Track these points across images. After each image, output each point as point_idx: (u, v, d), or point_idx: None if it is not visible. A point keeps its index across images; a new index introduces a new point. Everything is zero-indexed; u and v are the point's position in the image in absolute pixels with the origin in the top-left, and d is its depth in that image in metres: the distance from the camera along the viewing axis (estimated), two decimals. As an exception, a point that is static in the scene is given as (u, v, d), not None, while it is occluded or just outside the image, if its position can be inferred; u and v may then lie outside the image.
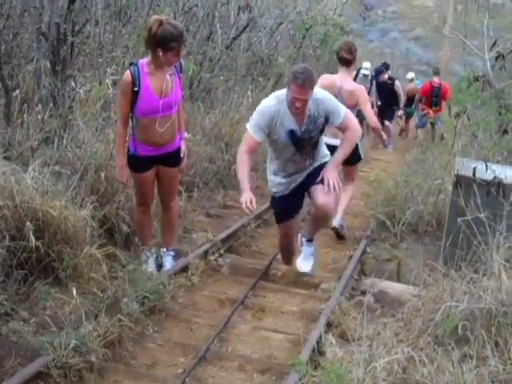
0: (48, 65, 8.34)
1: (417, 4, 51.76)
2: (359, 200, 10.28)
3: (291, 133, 6.23)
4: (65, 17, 8.42)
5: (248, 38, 15.02)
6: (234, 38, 13.94)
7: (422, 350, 4.74)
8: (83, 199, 6.36)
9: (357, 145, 7.60)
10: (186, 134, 6.71)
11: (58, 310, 5.01)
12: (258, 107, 6.27)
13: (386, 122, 16.98)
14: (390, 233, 8.42)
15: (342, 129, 6.40)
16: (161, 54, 5.95)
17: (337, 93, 7.81)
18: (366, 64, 16.08)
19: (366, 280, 7.03)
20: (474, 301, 5.14)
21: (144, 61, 6.15)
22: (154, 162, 6.33)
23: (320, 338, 5.26)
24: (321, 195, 6.34)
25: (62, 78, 7.99)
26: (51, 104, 7.82)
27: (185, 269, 6.51)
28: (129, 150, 6.28)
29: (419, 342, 4.92)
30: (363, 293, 6.54)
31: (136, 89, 6.02)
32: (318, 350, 5.12)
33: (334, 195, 6.40)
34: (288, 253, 7.05)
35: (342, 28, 19.27)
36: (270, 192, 6.87)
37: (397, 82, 17.08)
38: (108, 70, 9.01)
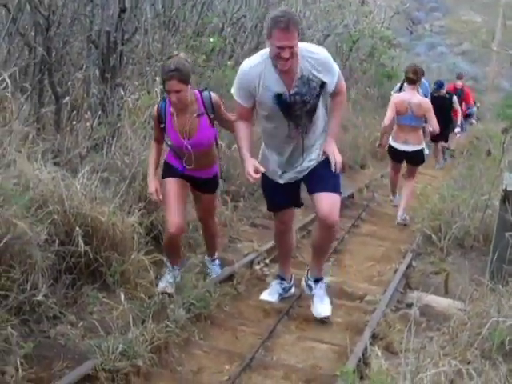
0: (97, 73, 8.44)
1: (465, 19, 51.52)
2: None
3: (278, 97, 5.42)
4: (115, 25, 8.52)
5: (295, 49, 15.00)
6: (281, 50, 13.93)
7: (469, 363, 4.70)
8: (131, 206, 6.43)
9: (422, 149, 10.17)
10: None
11: (106, 315, 5.05)
12: (240, 69, 5.56)
13: (441, 143, 16.77)
14: (436, 247, 8.37)
15: (334, 89, 5.56)
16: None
17: (407, 106, 9.88)
18: None
19: (411, 293, 6.97)
20: (521, 316, 5.10)
21: None
22: (184, 177, 6.09)
23: (365, 349, 5.23)
24: (325, 203, 5.61)
25: (111, 86, 8.08)
26: (100, 111, 7.91)
27: (230, 277, 6.53)
28: (165, 161, 6.21)
29: (466, 355, 4.88)
30: (409, 306, 6.50)
31: (162, 126, 5.93)
32: (364, 362, 5.09)
33: (338, 204, 5.72)
34: (286, 245, 6.35)
35: (389, 41, 19.26)
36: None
37: (454, 98, 16.56)
38: (157, 78, 9.10)
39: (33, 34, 8.08)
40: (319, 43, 15.94)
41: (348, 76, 18.16)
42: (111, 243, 5.81)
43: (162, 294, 5.64)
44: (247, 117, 5.64)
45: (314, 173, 5.77)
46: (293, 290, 6.50)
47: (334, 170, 5.60)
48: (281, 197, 5.98)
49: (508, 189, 6.62)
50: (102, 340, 4.71)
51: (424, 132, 10.37)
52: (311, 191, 5.78)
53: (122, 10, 8.43)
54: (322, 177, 5.70)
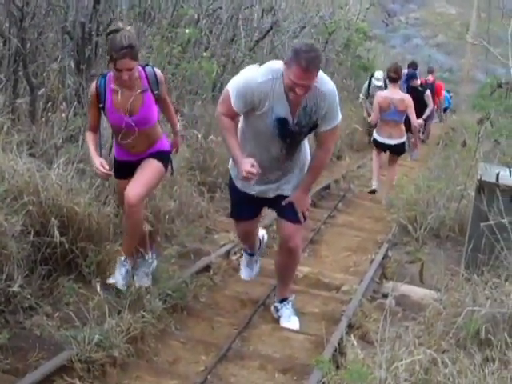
0: (72, 64, 8.41)
1: (439, 11, 51.76)
2: (380, 204, 10.29)
3: (281, 122, 5.05)
4: (90, 16, 8.49)
5: (271, 41, 15.04)
6: (258, 41, 13.96)
7: (443, 352, 4.73)
8: (107, 197, 6.42)
9: (404, 141, 10.97)
10: (177, 127, 6.09)
11: (82, 306, 5.02)
12: (247, 75, 5.07)
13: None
14: (412, 237, 8.43)
15: (321, 139, 5.27)
16: (112, 67, 5.33)
17: (390, 103, 10.63)
18: (378, 74, 15.76)
19: (387, 283, 7.01)
20: (496, 305, 5.14)
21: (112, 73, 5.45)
22: (131, 168, 5.60)
23: (341, 339, 5.25)
24: (288, 227, 5.42)
25: (86, 77, 8.06)
26: (75, 103, 7.87)
27: (207, 268, 6.53)
28: (114, 158, 5.81)
29: (441, 344, 4.92)
30: (384, 296, 6.54)
31: (101, 105, 5.45)
32: (340, 351, 5.12)
33: (301, 231, 5.61)
34: (251, 243, 6.12)
35: (364, 33, 19.30)
36: (229, 174, 5.77)
37: (427, 92, 16.39)
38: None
39: (7, 25, 8.03)
40: (295, 35, 16.01)
41: (324, 68, 18.16)
42: (87, 234, 5.79)
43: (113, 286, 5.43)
44: (234, 117, 5.21)
45: (283, 198, 5.47)
46: (259, 261, 6.40)
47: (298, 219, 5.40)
48: (246, 208, 5.66)
49: (483, 179, 6.67)
50: (78, 331, 4.69)
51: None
52: (278, 213, 5.57)
53: (97, 1, 8.42)
54: (292, 205, 5.41)
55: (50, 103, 8.00)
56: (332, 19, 17.57)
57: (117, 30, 5.22)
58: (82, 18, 8.47)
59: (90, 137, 5.60)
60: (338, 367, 4.81)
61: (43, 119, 7.64)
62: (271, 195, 5.51)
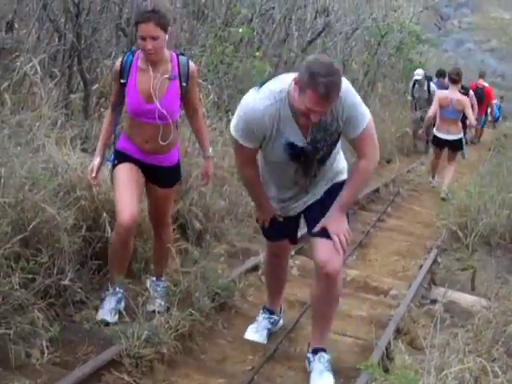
0: (126, 60, 8.45)
1: (493, 16, 51.17)
2: (431, 210, 10.21)
3: (291, 146, 4.36)
4: (144, 14, 8.53)
5: (323, 42, 15.02)
6: (310, 42, 13.97)
7: (493, 361, 4.67)
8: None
9: (461, 137, 12.18)
10: (210, 152, 5.45)
11: (131, 301, 5.04)
12: (247, 109, 4.31)
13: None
14: (462, 244, 8.35)
15: (357, 147, 4.44)
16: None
17: (449, 102, 11.83)
18: (419, 71, 16.35)
19: (436, 290, 6.95)
20: (548, 315, 5.07)
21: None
22: (140, 166, 5.13)
23: (389, 344, 5.21)
24: (324, 249, 4.51)
25: (139, 74, 8.08)
26: (128, 99, 7.91)
27: (255, 268, 6.52)
28: (116, 150, 5.23)
29: (491, 353, 4.85)
30: (433, 302, 6.50)
31: (123, 81, 4.98)
32: (387, 356, 5.08)
33: (339, 251, 4.53)
34: (277, 279, 5.40)
35: (417, 36, 19.14)
36: None
37: (471, 92, 16.42)
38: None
39: (63, 20, 8.13)
40: (347, 36, 15.95)
41: (376, 70, 18.11)
42: (137, 230, 5.81)
43: (102, 323, 4.96)
44: (253, 158, 4.59)
45: (316, 209, 4.66)
46: (281, 321, 5.51)
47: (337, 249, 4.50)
48: (275, 228, 4.91)
49: (536, 186, 6.60)
50: (127, 326, 4.70)
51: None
52: (310, 232, 4.69)
53: (152, -1, 8.43)
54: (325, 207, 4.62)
55: (102, 99, 8.07)
56: (385, 22, 17.45)
57: None
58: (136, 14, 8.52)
59: (106, 120, 5.28)
60: (385, 371, 4.77)
61: (96, 115, 7.71)
62: (299, 209, 4.79)
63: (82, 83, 8.05)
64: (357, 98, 4.32)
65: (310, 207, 4.70)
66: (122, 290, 5.16)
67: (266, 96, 4.24)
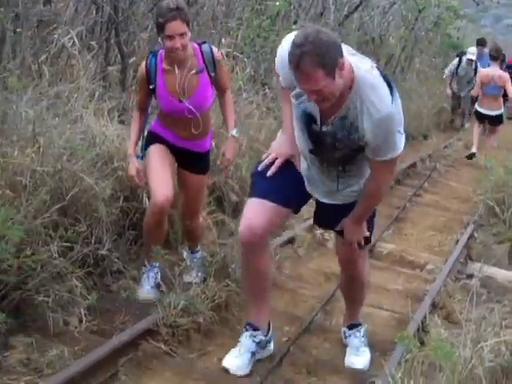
0: (162, 34, 8.44)
1: (533, -9, 50.33)
2: (468, 185, 10.14)
3: (308, 117, 3.86)
4: (181, -14, 8.51)
5: (360, 16, 14.89)
6: (347, 16, 13.84)
7: (530, 335, 4.64)
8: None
9: (502, 113, 13.33)
10: (234, 132, 5.12)
11: (168, 271, 5.06)
12: (283, 44, 3.89)
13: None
14: (499, 219, 8.26)
15: (372, 166, 3.94)
16: (162, 40, 4.77)
17: (491, 78, 12.85)
18: (472, 49, 16.15)
19: (472, 265, 6.92)
20: None
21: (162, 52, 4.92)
22: (171, 148, 5.05)
23: (425, 318, 5.19)
24: (343, 248, 4.34)
25: (175, 48, 8.08)
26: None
27: (291, 241, 6.52)
28: (149, 131, 5.13)
29: (528, 327, 4.82)
30: (469, 277, 6.48)
31: (152, 87, 4.89)
32: (423, 329, 5.06)
33: (363, 252, 4.41)
34: (257, 277, 4.31)
35: (455, 12, 18.90)
36: None
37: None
38: (223, 40, 9.08)
39: (100, -8, 8.13)
40: (385, 11, 15.80)
41: (413, 45, 17.95)
42: (174, 201, 5.82)
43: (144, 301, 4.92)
44: (287, 93, 3.97)
45: (339, 212, 4.19)
46: (271, 345, 4.54)
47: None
48: (277, 182, 4.12)
49: None
50: (164, 296, 4.75)
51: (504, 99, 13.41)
52: (334, 227, 4.36)
53: (190, -28, 8.41)
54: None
55: (139, 72, 8.08)
56: (422, -4, 17.25)
57: None
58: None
59: (135, 122, 5.12)
60: (421, 344, 4.76)
61: (133, 87, 7.71)
62: (327, 201, 4.22)
63: (119, 56, 8.05)
64: (395, 126, 3.70)
65: (325, 206, 4.24)
66: (157, 264, 5.14)
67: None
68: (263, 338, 4.41)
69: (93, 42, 7.82)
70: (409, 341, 4.39)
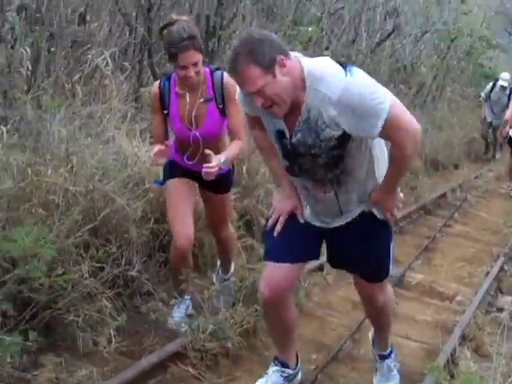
0: (195, 56, 8.48)
1: None
2: (498, 217, 10.07)
3: (280, 135, 3.58)
4: (214, 10, 8.57)
5: (392, 44, 14.90)
6: (379, 43, 13.87)
7: (562, 371, 4.57)
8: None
9: None
10: (222, 159, 4.43)
11: (197, 295, 5.05)
12: None
13: None
14: (530, 252, 8.20)
15: (385, 138, 3.54)
16: (175, 68, 4.59)
17: None
18: (505, 75, 15.98)
19: (502, 298, 6.86)
20: None
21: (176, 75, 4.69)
22: (190, 176, 4.85)
23: (454, 350, 5.13)
24: (366, 285, 4.06)
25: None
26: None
27: (320, 268, 6.48)
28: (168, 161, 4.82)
29: (560, 364, 4.75)
30: (499, 310, 6.41)
31: (166, 111, 4.71)
32: (452, 362, 5.00)
33: (385, 285, 4.15)
34: (281, 323, 4.15)
35: (488, 41, 18.88)
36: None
37: None
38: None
39: (134, 14, 8.19)
40: (416, 39, 15.79)
41: (445, 74, 17.91)
42: (203, 225, 5.82)
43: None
44: (261, 126, 3.75)
45: (353, 242, 3.87)
46: (299, 376, 4.42)
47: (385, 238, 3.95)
48: (288, 235, 3.91)
49: None
50: (193, 319, 4.74)
51: None
52: (348, 268, 4.19)
53: (222, -5, 8.46)
54: (366, 255, 3.90)
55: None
56: (455, 25, 17.23)
57: (172, 23, 4.44)
58: (206, 10, 8.56)
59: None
60: (450, 377, 4.70)
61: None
62: (332, 225, 3.91)
63: (151, 77, 8.09)
64: (359, 92, 3.29)
65: (345, 238, 3.90)
66: (189, 297, 5.08)
67: None
68: (291, 371, 4.31)
69: (126, 63, 7.87)
70: (439, 372, 4.36)
